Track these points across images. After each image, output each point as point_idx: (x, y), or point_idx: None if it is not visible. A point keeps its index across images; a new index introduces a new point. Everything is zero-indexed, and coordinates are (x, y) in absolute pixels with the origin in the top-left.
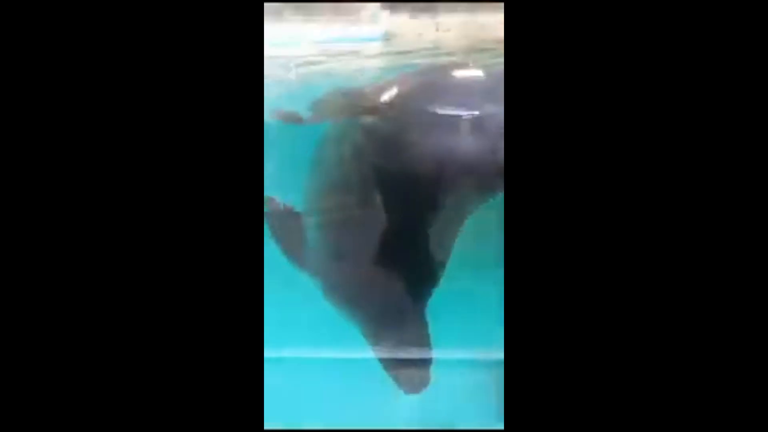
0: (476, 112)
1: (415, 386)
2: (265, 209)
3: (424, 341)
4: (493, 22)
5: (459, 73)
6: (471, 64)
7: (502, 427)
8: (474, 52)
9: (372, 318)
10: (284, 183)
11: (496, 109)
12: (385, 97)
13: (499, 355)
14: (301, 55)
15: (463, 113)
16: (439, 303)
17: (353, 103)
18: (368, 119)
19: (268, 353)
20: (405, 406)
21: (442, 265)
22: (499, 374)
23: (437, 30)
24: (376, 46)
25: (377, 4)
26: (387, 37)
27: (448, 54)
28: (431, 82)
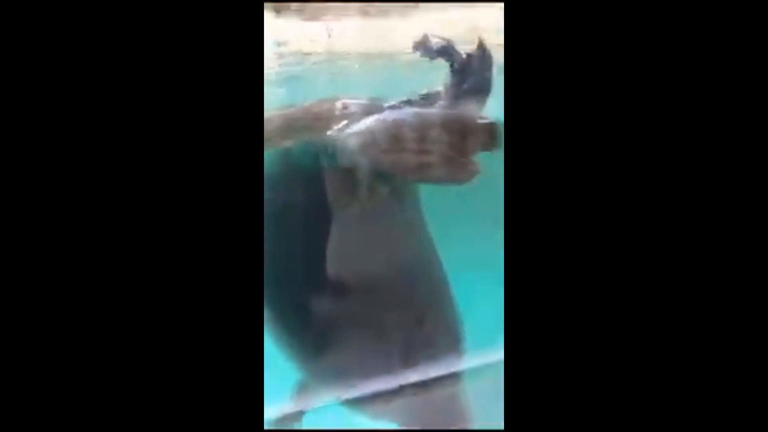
0: None
1: None
2: None
3: None
4: (387, 28)
5: None
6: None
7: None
8: (368, 57)
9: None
10: None
11: None
12: None
13: (500, 356)
14: None
15: None
16: None
17: None
18: None
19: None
20: None
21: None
22: (500, 375)
23: (329, 36)
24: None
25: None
26: (278, 44)
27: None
28: None
